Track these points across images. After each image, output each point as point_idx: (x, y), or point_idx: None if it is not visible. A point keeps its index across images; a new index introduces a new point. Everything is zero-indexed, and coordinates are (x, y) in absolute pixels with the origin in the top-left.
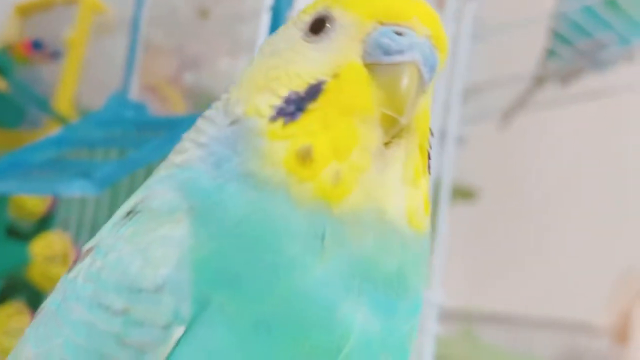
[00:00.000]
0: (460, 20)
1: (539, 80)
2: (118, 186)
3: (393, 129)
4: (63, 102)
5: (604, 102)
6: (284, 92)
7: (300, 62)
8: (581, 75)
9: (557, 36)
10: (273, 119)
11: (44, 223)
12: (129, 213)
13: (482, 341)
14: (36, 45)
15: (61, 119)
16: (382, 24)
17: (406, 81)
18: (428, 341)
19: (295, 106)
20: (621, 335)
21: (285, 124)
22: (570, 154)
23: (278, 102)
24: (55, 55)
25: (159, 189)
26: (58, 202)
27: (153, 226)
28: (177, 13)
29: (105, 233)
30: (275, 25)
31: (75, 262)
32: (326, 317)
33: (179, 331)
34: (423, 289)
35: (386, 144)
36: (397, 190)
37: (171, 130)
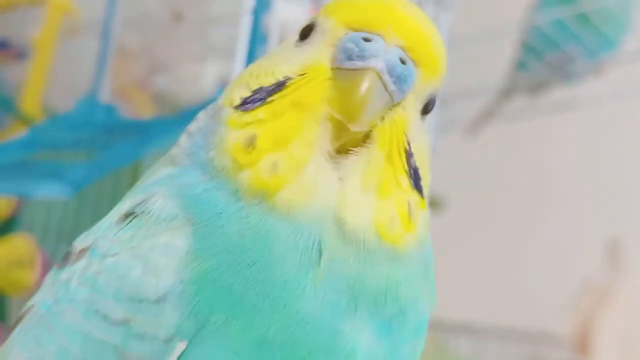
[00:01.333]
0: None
1: (507, 92)
2: (84, 188)
3: (343, 135)
4: (29, 104)
5: (571, 114)
6: (255, 86)
7: (280, 62)
8: (550, 87)
9: (527, 48)
10: (237, 108)
11: (8, 225)
12: (127, 215)
13: (449, 350)
14: (1, 45)
15: (27, 121)
16: (353, 29)
17: (362, 88)
18: None
19: (259, 97)
20: (582, 345)
21: (242, 112)
22: (538, 166)
23: (247, 94)
24: (21, 55)
25: (158, 192)
26: (23, 204)
27: (153, 232)
28: (150, 16)
29: (101, 234)
30: (254, 30)
31: (65, 260)
32: (328, 340)
33: (180, 346)
34: (427, 308)
35: (344, 152)
36: (358, 200)
37: (141, 133)
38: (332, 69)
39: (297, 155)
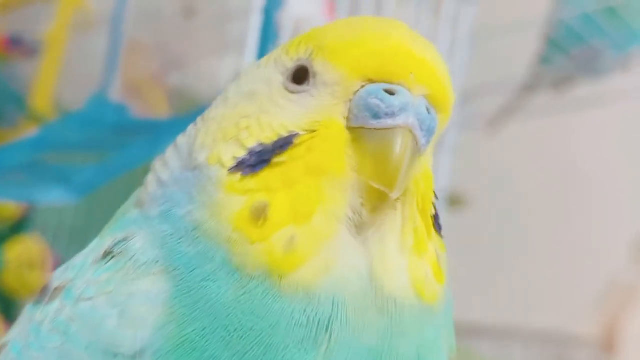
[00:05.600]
0: (456, 25)
1: (530, 88)
2: (97, 190)
3: (383, 204)
4: (41, 101)
5: (596, 110)
6: (251, 143)
7: (275, 113)
8: (575, 82)
9: (552, 42)
10: (233, 171)
11: (20, 226)
12: (106, 254)
13: (472, 354)
14: (14, 42)
15: (38, 118)
16: (370, 81)
17: (398, 150)
18: None
19: (258, 157)
20: (607, 345)
21: (243, 175)
22: (561, 163)
23: (242, 154)
24: (34, 52)
25: (138, 234)
26: (35, 205)
27: (132, 277)
28: (162, 10)
29: (78, 272)
30: (266, 26)
31: (42, 293)
32: None
33: None
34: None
35: (371, 212)
36: (396, 262)
37: (154, 133)
38: (351, 128)
39: (320, 230)
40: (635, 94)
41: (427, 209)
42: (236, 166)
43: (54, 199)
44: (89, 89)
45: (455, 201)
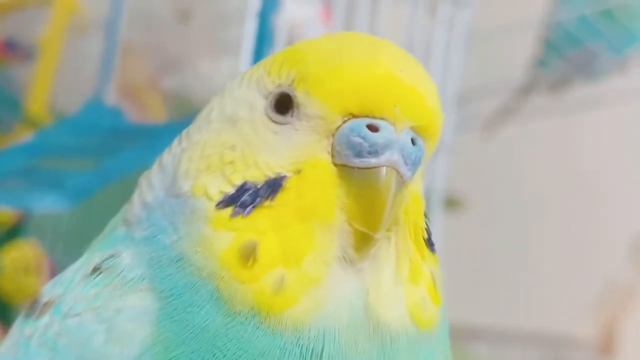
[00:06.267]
0: (452, 27)
1: (527, 90)
2: (94, 195)
3: (367, 245)
4: (36, 105)
5: (593, 112)
6: (238, 180)
7: (260, 148)
8: (571, 85)
9: (548, 45)
10: (220, 206)
11: (16, 231)
12: (95, 269)
13: (469, 357)
14: (9, 45)
15: (34, 123)
16: (353, 115)
17: (381, 190)
18: None
19: (249, 199)
20: (605, 346)
21: (233, 216)
22: (558, 164)
23: (230, 190)
24: (29, 56)
25: (124, 252)
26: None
27: (120, 292)
28: (157, 14)
29: (66, 287)
30: (261, 30)
31: (32, 307)
32: None
33: None
34: None
35: (366, 249)
36: (391, 291)
37: (150, 138)
38: (336, 164)
39: (310, 273)
40: (633, 96)
41: (419, 235)
42: (224, 201)
43: (47, 205)
44: (85, 93)
45: (452, 203)
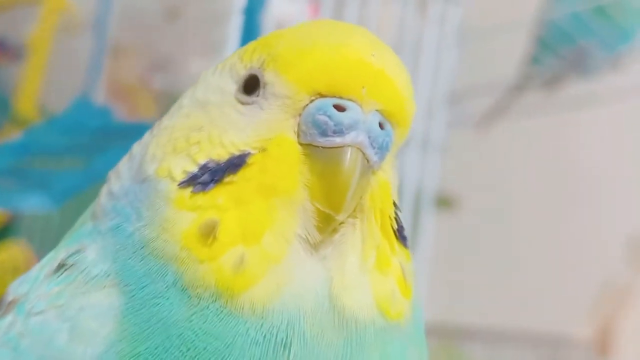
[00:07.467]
0: (443, 25)
1: (520, 88)
2: (83, 195)
3: (329, 226)
4: (25, 105)
5: (588, 110)
6: (202, 159)
7: (226, 128)
8: (565, 82)
9: (541, 43)
10: (183, 186)
11: (5, 232)
12: (59, 267)
13: (464, 357)
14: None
15: (23, 122)
16: (320, 95)
17: (345, 170)
18: None
19: (210, 176)
20: (602, 347)
21: (194, 192)
22: (552, 163)
23: (193, 169)
24: (18, 55)
25: (90, 246)
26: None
27: (83, 290)
28: (146, 13)
29: (31, 285)
30: (248, 27)
31: None
32: None
33: None
34: None
35: (327, 231)
36: (357, 279)
37: (138, 136)
38: (301, 144)
39: (270, 251)
40: (626, 93)
41: (387, 223)
42: (186, 180)
43: (34, 205)
44: (74, 92)
45: (445, 202)
